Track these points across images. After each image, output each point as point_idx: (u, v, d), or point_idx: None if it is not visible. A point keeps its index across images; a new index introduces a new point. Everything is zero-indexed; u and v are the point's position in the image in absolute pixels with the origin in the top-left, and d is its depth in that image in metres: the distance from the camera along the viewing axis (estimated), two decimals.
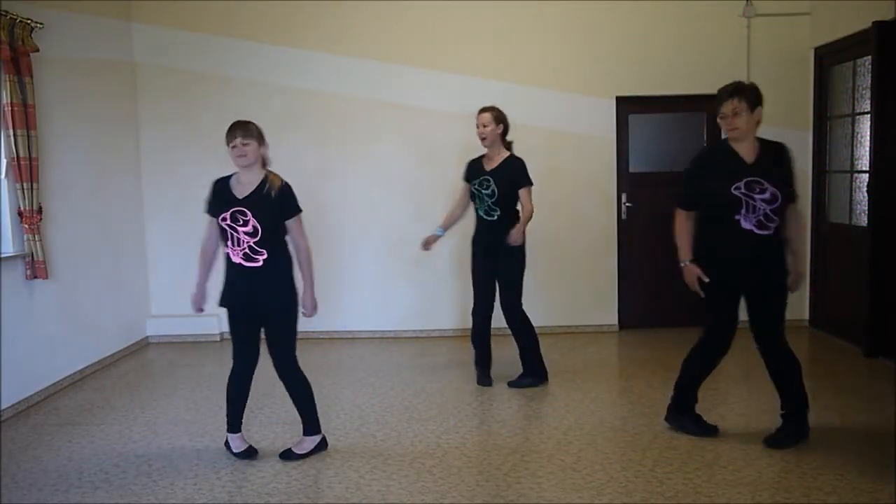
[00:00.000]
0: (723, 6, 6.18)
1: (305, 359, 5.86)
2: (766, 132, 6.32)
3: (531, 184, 4.76)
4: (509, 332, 4.92)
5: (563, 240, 6.34)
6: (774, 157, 3.69)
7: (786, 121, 6.26)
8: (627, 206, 6.41)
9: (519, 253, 4.80)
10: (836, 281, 6.03)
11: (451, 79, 6.25)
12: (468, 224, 6.36)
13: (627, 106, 6.33)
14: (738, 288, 3.80)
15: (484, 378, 4.97)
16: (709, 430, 3.96)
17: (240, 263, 3.63)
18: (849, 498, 3.20)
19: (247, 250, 3.61)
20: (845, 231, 5.89)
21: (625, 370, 5.31)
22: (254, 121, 6.35)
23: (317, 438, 3.86)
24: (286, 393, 3.85)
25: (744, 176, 3.60)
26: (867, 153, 5.46)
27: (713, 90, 6.19)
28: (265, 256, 3.60)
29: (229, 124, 3.81)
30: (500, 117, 4.84)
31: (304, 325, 6.36)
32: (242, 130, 3.71)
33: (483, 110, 4.86)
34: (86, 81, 5.55)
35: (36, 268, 4.75)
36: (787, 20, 6.21)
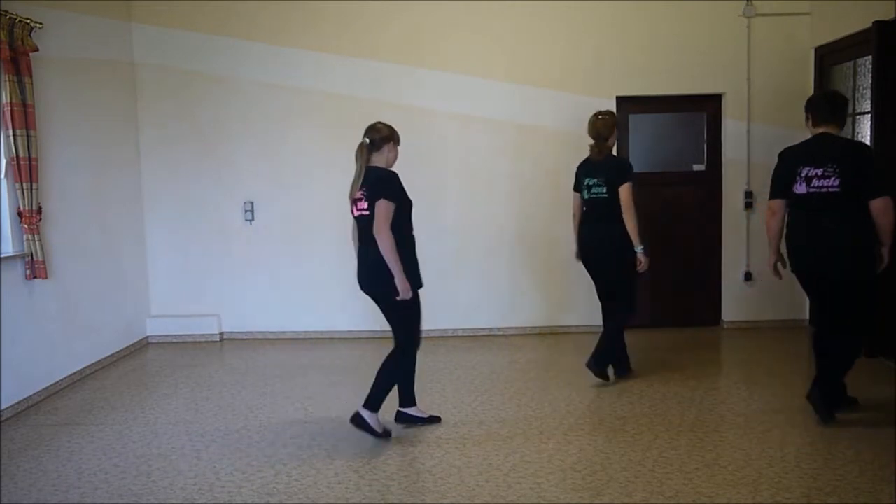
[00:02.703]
0: (723, 6, 6.18)
1: (305, 358, 5.88)
2: (767, 132, 6.39)
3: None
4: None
5: (563, 240, 6.32)
6: None
7: (786, 121, 6.26)
8: None
9: None
10: None
11: (451, 79, 6.25)
12: (464, 224, 6.39)
13: (627, 106, 6.33)
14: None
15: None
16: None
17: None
18: (849, 498, 3.20)
19: None
20: None
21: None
22: (254, 120, 6.42)
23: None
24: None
25: None
26: None
27: (713, 90, 6.32)
28: None
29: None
30: None
31: (304, 325, 6.44)
32: None
33: None
34: (85, 81, 5.54)
35: (36, 268, 4.74)
36: (787, 20, 6.21)
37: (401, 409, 4.21)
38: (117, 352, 5.88)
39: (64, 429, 4.34)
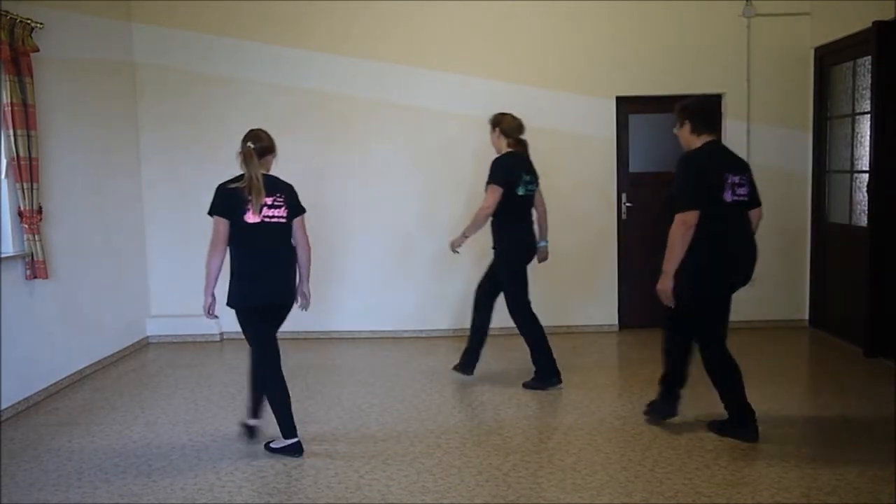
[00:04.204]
0: (723, 6, 6.19)
1: (305, 358, 5.89)
2: (767, 132, 6.40)
3: (490, 182, 4.71)
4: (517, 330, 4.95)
5: (563, 240, 6.34)
6: None
7: (786, 121, 6.28)
8: (627, 206, 6.41)
9: (499, 253, 4.80)
10: (836, 281, 6.03)
11: (451, 79, 6.26)
12: (463, 223, 6.38)
13: (627, 106, 6.33)
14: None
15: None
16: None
17: None
18: (849, 498, 3.21)
19: None
20: (845, 231, 5.90)
21: (625, 370, 5.31)
22: (254, 120, 6.40)
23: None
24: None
25: None
26: (867, 153, 5.46)
27: (713, 90, 6.33)
28: None
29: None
30: (493, 122, 4.86)
31: (303, 324, 6.44)
32: None
33: None
34: (86, 81, 5.55)
35: (36, 268, 4.75)
36: (787, 20, 6.21)
37: (250, 423, 4.05)
38: (117, 352, 5.88)
39: (64, 429, 4.34)
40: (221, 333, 6.43)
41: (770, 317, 6.42)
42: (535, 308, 5.89)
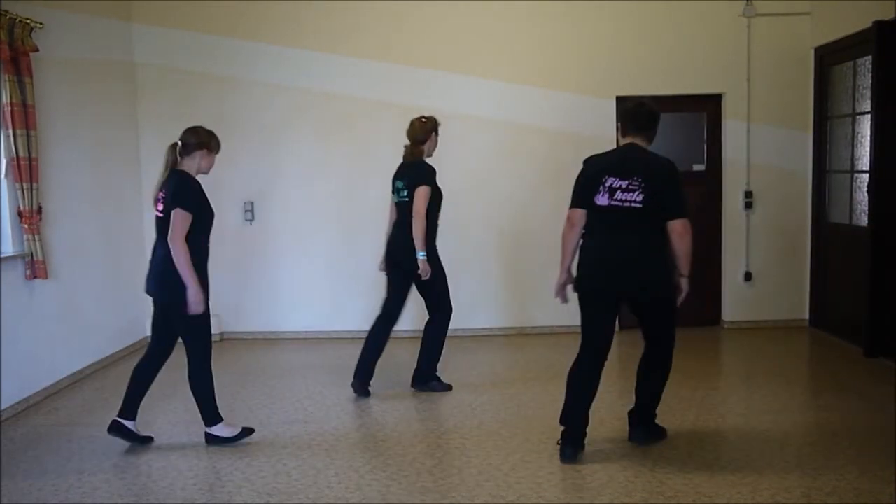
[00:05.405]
0: (723, 6, 6.19)
1: (305, 359, 5.88)
2: (767, 132, 6.40)
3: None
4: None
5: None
6: None
7: (786, 121, 6.28)
8: None
9: None
10: (836, 281, 6.03)
11: (451, 78, 6.25)
12: (463, 224, 6.38)
13: None
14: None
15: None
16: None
17: None
18: (849, 498, 3.20)
19: None
20: (845, 231, 5.90)
21: (625, 370, 5.30)
22: (255, 120, 6.42)
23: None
24: None
25: None
26: (867, 153, 5.46)
27: (713, 90, 6.33)
28: None
29: (216, 133, 4.06)
30: None
31: (304, 325, 6.44)
32: None
33: None
34: (86, 82, 5.54)
35: (36, 268, 4.74)
36: (787, 20, 6.21)
37: (207, 431, 4.04)
38: (117, 352, 5.88)
39: (64, 429, 4.34)
40: (221, 333, 6.42)
41: (770, 317, 6.42)
42: (535, 308, 5.90)
